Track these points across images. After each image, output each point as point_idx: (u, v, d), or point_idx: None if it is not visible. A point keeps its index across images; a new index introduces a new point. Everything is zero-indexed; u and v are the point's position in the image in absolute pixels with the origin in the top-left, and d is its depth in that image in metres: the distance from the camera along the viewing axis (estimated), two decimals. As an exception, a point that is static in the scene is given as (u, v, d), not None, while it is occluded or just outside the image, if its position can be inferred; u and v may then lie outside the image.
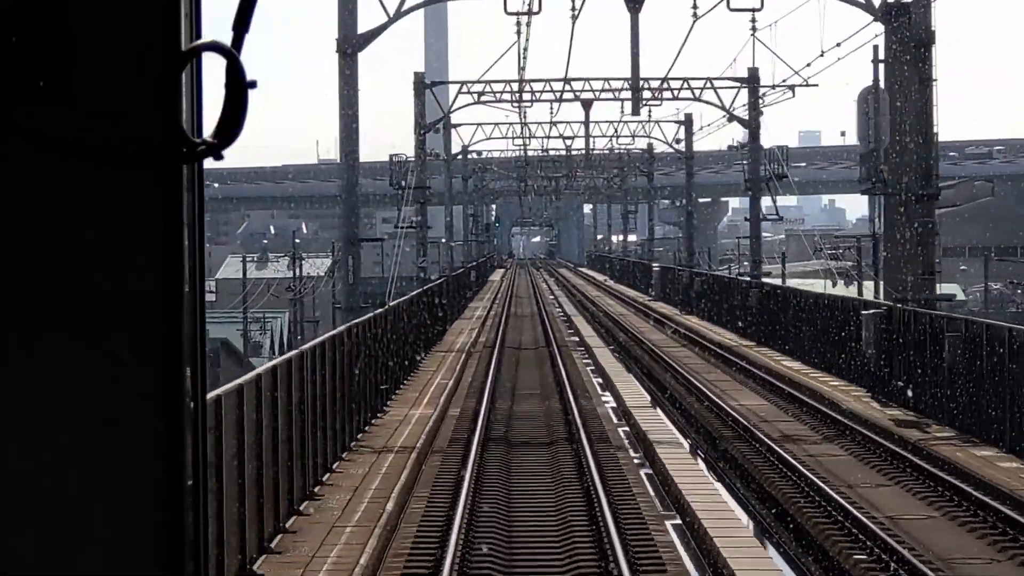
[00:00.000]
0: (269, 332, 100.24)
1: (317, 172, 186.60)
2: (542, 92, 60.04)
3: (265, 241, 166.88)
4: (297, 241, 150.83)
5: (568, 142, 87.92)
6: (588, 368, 47.53)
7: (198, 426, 2.56)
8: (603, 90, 62.36)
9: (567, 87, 59.77)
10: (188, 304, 2.53)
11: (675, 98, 58.00)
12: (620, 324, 67.55)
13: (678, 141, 77.02)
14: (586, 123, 73.19)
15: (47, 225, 2.48)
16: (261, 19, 2.55)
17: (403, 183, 54.91)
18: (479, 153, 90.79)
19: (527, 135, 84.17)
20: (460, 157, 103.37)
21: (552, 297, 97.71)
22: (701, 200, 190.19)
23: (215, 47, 2.49)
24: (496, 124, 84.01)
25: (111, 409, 2.49)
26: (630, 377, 44.28)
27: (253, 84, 2.48)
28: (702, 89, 58.68)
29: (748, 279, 57.51)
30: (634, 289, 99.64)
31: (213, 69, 2.55)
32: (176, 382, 2.51)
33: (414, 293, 46.33)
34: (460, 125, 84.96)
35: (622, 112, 64.07)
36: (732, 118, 57.86)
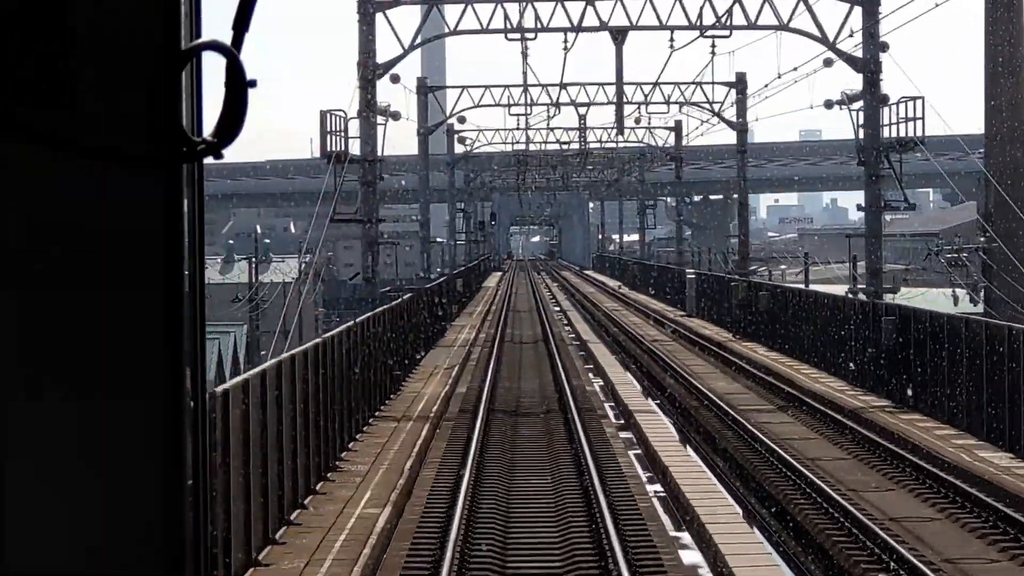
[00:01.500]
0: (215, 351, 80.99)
1: (311, 168, 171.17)
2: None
3: (231, 241, 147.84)
4: (267, 241, 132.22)
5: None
6: (633, 454, 28.06)
7: (198, 426, 2.53)
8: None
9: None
10: (188, 304, 2.50)
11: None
12: (659, 358, 47.60)
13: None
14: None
15: (48, 225, 2.46)
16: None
17: (336, 153, 35.35)
18: (462, 120, 69.61)
19: (528, 111, 63.94)
20: (450, 144, 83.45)
21: (559, 311, 77.27)
22: (713, 197, 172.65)
23: (215, 47, 2.47)
24: (487, 87, 63.57)
25: (111, 409, 2.46)
26: (720, 491, 24.47)
27: (253, 83, 2.46)
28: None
29: (869, 300, 37.38)
30: (658, 300, 79.86)
31: (213, 69, 2.06)
32: (176, 382, 2.49)
33: (335, 331, 26.44)
34: (442, 88, 64.65)
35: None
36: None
